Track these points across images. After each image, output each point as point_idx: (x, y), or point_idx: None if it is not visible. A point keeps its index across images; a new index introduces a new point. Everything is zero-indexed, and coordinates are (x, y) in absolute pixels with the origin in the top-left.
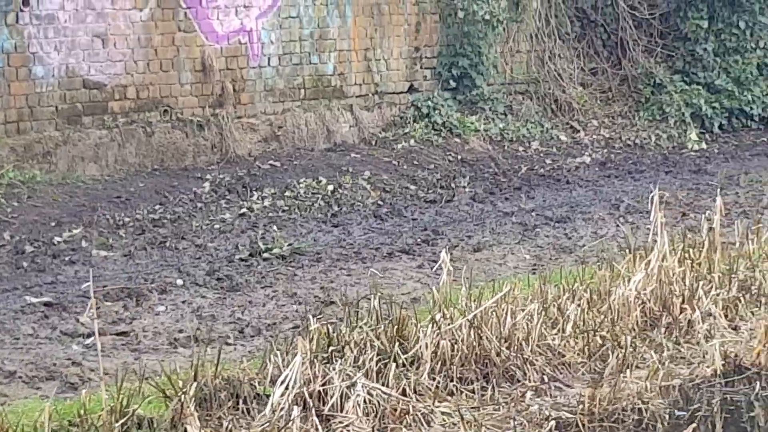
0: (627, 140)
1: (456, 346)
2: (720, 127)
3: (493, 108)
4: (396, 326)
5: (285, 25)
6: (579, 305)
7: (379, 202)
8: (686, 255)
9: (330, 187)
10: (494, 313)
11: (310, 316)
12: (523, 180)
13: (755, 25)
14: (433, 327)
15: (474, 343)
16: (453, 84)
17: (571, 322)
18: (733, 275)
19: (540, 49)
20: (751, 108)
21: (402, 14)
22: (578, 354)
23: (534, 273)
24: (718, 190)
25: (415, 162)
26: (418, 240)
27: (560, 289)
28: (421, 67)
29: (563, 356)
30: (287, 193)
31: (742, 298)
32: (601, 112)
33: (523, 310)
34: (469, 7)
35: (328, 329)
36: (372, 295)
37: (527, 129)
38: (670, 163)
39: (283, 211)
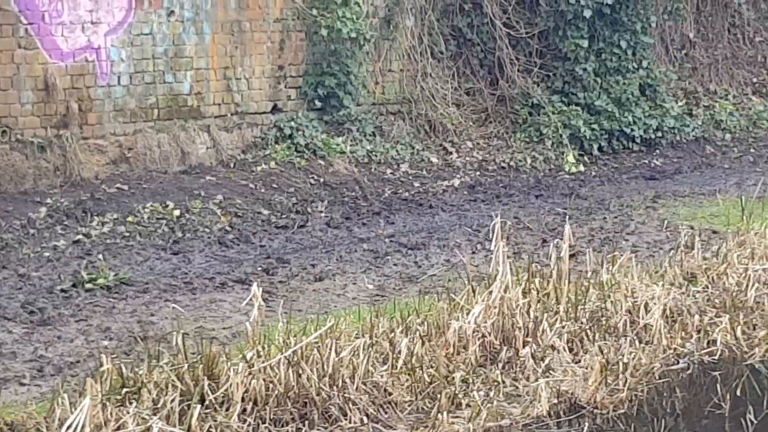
0: (501, 162)
1: (272, 386)
2: (600, 149)
3: (361, 129)
4: (204, 364)
5: (137, 42)
6: (412, 339)
7: (227, 228)
8: (531, 285)
9: (176, 212)
10: (317, 348)
11: (103, 355)
12: (385, 204)
13: (637, 44)
14: (245, 365)
15: (292, 382)
16: (319, 104)
17: (402, 357)
18: (581, 306)
19: (413, 69)
20: (632, 129)
21: (265, 31)
22: (407, 392)
23: (373, 304)
24: (567, 218)
25: (274, 185)
26: (259, 269)
27: (394, 322)
28: (285, 87)
29: (390, 394)
30: (129, 219)
31: (588, 331)
32: (476, 134)
33: (350, 345)
34: (333, 24)
35: (121, 369)
36: (175, 332)
37: (397, 151)
38: (543, 186)
39: (123, 237)
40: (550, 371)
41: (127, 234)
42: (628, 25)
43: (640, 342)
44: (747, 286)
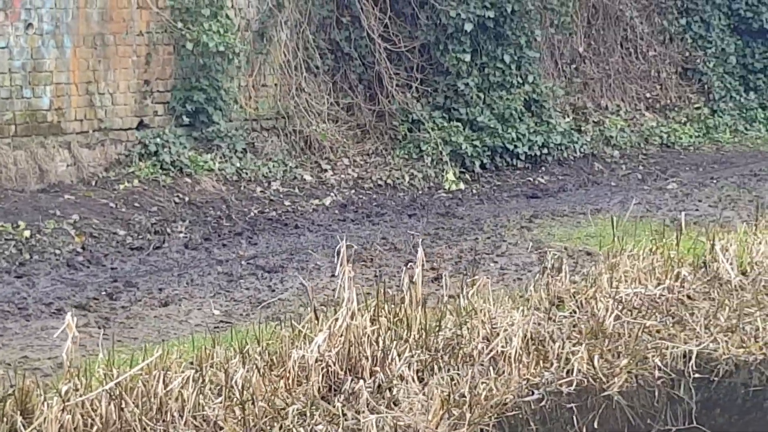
0: (378, 180)
1: (90, 421)
2: (482, 166)
3: (231, 145)
4: (17, 398)
5: None
6: (249, 370)
7: (79, 250)
8: (380, 312)
9: (27, 233)
10: (144, 381)
11: None
12: (249, 224)
13: (522, 59)
14: (59, 399)
15: (114, 417)
16: (188, 120)
17: (237, 389)
18: (435, 334)
19: (288, 83)
20: (516, 146)
21: (130, 45)
22: (239, 426)
23: (216, 332)
24: (420, 240)
25: (136, 204)
26: (103, 293)
27: (231, 351)
28: (152, 102)
29: (221, 429)
30: None
31: (440, 359)
32: (353, 150)
33: (180, 376)
34: (199, 38)
35: None
36: None
37: (269, 168)
38: (419, 205)
39: None
40: (395, 404)
41: None
42: (512, 39)
43: (495, 371)
44: (611, 311)
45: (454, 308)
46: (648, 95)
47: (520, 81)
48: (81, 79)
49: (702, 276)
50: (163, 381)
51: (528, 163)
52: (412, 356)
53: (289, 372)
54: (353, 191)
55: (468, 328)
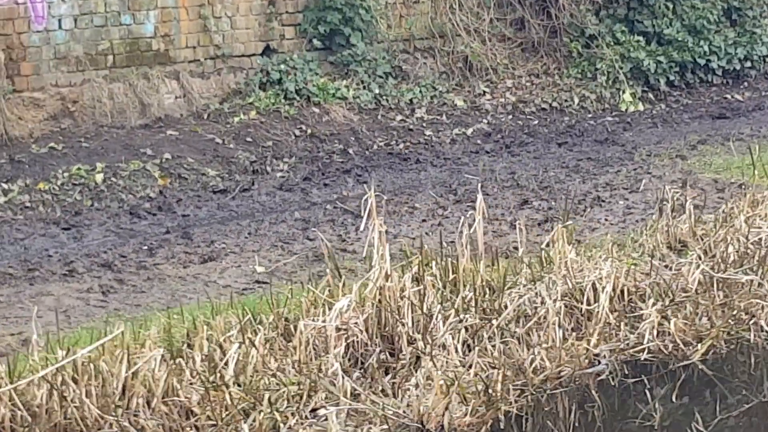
0: (542, 104)
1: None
2: (670, 84)
3: (371, 70)
4: None
5: None
6: (243, 344)
7: (152, 195)
8: (424, 270)
9: (99, 177)
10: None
11: None
12: (366, 159)
13: None
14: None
15: (55, 407)
16: (321, 43)
17: (230, 369)
18: (501, 292)
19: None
20: (709, 61)
21: None
22: (215, 414)
23: (243, 294)
24: (478, 183)
25: (248, 139)
26: (145, 247)
27: (233, 322)
28: (279, 24)
29: (197, 417)
30: (41, 186)
31: (496, 324)
32: (519, 71)
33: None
34: None
35: None
36: None
37: (414, 94)
38: (576, 131)
39: (23, 208)
40: (430, 381)
41: (29, 205)
42: None
43: (563, 338)
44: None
45: (534, 260)
46: None
47: None
48: (191, 2)
49: None
50: (128, 361)
51: (727, 79)
52: (460, 321)
53: (298, 346)
54: (511, 117)
55: (546, 285)
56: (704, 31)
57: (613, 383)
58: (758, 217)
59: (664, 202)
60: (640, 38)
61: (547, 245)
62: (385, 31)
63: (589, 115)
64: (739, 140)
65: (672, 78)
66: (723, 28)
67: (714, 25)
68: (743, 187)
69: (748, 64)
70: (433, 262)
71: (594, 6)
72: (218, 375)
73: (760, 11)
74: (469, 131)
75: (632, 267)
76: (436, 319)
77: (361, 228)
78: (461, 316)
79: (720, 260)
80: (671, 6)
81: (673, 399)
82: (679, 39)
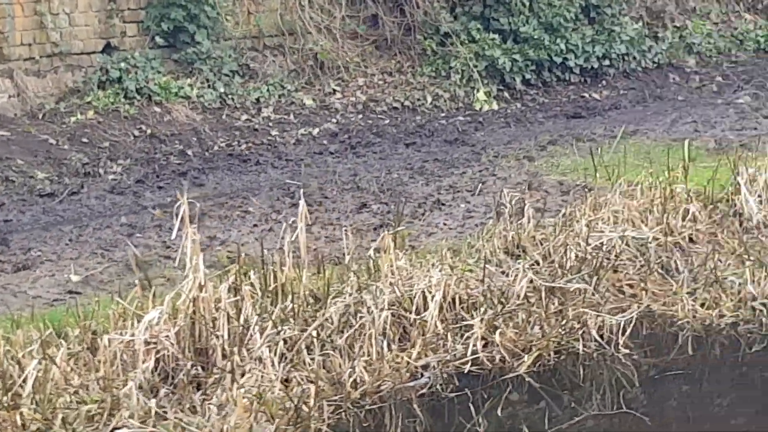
0: (393, 103)
1: None
2: (526, 82)
3: (215, 68)
4: None
5: None
6: (44, 360)
7: None
8: (242, 280)
9: None
10: None
11: None
12: (205, 160)
13: None
14: None
15: None
16: (164, 41)
17: (28, 387)
18: (324, 302)
19: None
20: (566, 59)
21: None
22: None
23: (51, 307)
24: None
25: (84, 140)
26: None
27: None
28: (122, 21)
29: None
30: None
31: (318, 336)
32: (372, 69)
33: None
34: None
35: None
36: None
37: (261, 93)
38: (426, 131)
39: None
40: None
41: None
42: None
43: (387, 350)
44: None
45: (363, 267)
46: None
47: None
48: None
49: (713, 214)
50: None
51: (585, 77)
52: (278, 333)
53: (103, 361)
54: (361, 116)
55: (373, 294)
56: (561, 29)
57: (438, 396)
58: (600, 220)
59: (502, 206)
60: (496, 36)
61: (376, 252)
62: (232, 28)
63: (442, 115)
64: (590, 140)
65: (528, 76)
66: (581, 26)
67: (571, 23)
68: (587, 189)
69: (607, 62)
70: (252, 271)
71: (449, 3)
72: (13, 394)
73: (619, 9)
74: (316, 131)
75: (467, 274)
76: (253, 330)
77: (173, 236)
78: (280, 327)
79: (558, 266)
80: (528, 3)
81: (499, 412)
82: (536, 37)
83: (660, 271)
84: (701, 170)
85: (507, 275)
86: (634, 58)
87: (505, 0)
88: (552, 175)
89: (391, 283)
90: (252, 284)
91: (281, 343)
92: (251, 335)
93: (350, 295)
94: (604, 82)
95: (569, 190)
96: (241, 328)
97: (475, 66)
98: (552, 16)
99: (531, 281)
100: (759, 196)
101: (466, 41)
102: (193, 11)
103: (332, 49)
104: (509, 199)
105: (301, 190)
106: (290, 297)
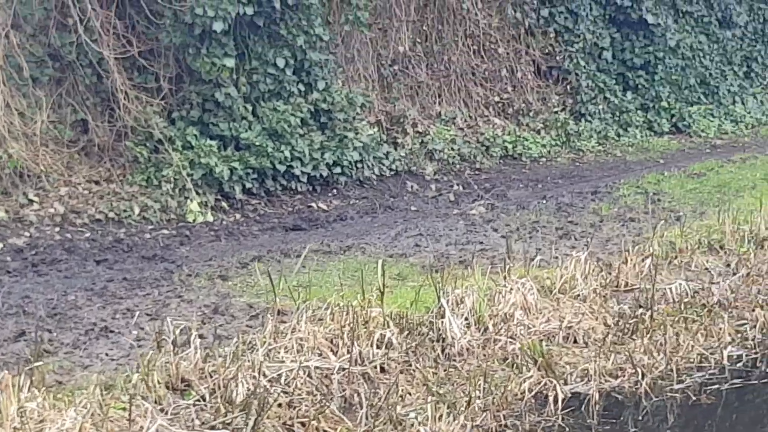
0: (96, 214)
1: None
2: (248, 191)
3: None
4: None
5: None
6: None
7: None
8: None
9: None
10: None
11: None
12: None
13: (304, 62)
14: None
15: None
16: None
17: None
18: None
19: None
20: (292, 167)
21: None
22: None
23: None
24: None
25: None
26: None
27: None
28: None
29: None
30: None
31: None
32: (79, 178)
33: None
34: None
35: None
36: None
37: None
38: (124, 246)
39: None
40: None
41: None
42: (287, 39)
43: None
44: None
45: None
46: (497, 99)
47: (303, 89)
48: None
49: (412, 339)
50: None
51: (315, 186)
52: None
53: None
54: (57, 229)
55: None
56: (286, 135)
57: None
58: (283, 348)
59: (163, 337)
60: (214, 143)
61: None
62: None
63: (149, 227)
64: (298, 256)
65: (250, 185)
66: (309, 132)
67: (298, 129)
68: (279, 312)
69: (338, 169)
70: None
71: (166, 107)
72: None
73: (353, 114)
74: (0, 247)
75: (118, 413)
76: None
77: None
78: None
79: (227, 402)
80: (251, 108)
81: None
82: (258, 144)
83: (342, 406)
84: (408, 290)
85: (166, 412)
86: (369, 165)
87: (226, 104)
88: (244, 297)
89: (15, 429)
90: None
91: None
92: None
93: None
94: (335, 191)
95: (259, 313)
96: None
97: (190, 174)
98: (276, 121)
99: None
100: (466, 319)
101: (181, 148)
102: None
103: (30, 156)
104: (173, 328)
105: None
106: None
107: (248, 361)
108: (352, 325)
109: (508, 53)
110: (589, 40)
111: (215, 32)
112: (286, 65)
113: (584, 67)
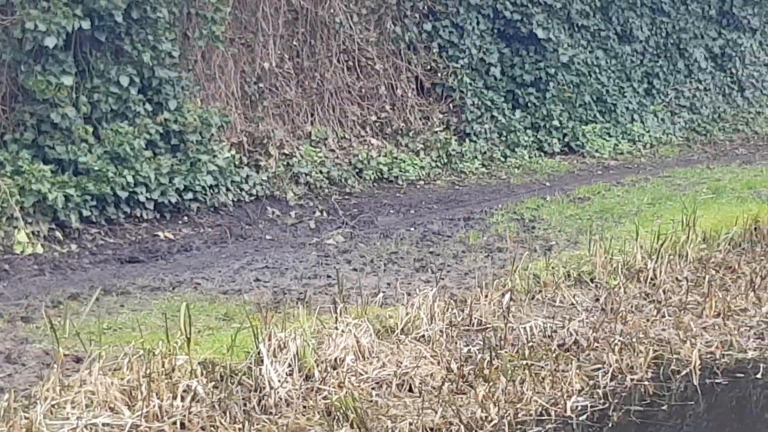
0: None
1: None
2: (86, 220)
3: None
4: None
5: None
6: None
7: None
8: None
9: None
10: None
11: None
12: None
13: (151, 80)
14: None
15: None
16: None
17: None
18: None
19: None
20: (136, 193)
21: None
22: None
23: None
24: None
25: None
26: None
27: None
28: None
29: None
30: None
31: None
32: None
33: None
34: None
35: None
36: None
37: None
38: None
39: None
40: None
41: None
42: (132, 55)
43: None
44: None
45: None
46: (375, 118)
47: (150, 109)
48: None
49: (222, 390)
50: None
51: (164, 213)
52: None
53: None
54: None
55: None
56: (130, 159)
57: None
58: (71, 403)
59: None
60: (48, 167)
61: None
62: None
63: None
64: (123, 293)
65: (88, 213)
66: (158, 155)
67: (144, 152)
68: (77, 360)
69: (189, 195)
70: None
71: None
72: None
73: (209, 135)
74: None
75: None
76: None
77: None
78: None
79: None
80: (92, 130)
81: None
82: (98, 168)
83: None
84: (231, 333)
85: None
86: (225, 190)
87: (63, 126)
88: (44, 342)
89: None
90: None
91: None
92: None
93: None
94: (186, 218)
95: (51, 363)
96: None
97: (20, 202)
98: (118, 144)
99: None
100: (289, 365)
101: (11, 173)
102: None
103: None
104: None
105: None
106: None
107: (24, 419)
108: (154, 374)
109: (386, 69)
110: (476, 55)
111: (48, 48)
112: (131, 83)
113: (470, 84)
